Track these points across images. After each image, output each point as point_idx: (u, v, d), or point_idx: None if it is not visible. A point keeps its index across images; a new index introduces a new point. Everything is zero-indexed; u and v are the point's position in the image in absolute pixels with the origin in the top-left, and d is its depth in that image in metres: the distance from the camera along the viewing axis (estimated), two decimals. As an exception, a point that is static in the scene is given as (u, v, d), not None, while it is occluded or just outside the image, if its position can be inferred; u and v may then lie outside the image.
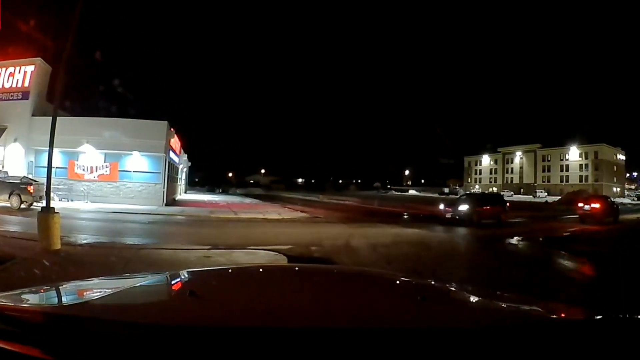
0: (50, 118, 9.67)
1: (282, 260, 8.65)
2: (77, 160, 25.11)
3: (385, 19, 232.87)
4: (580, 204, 24.90)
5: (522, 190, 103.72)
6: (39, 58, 25.29)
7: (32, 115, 24.74)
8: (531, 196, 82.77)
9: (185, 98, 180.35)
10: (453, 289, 2.42)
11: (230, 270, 3.01)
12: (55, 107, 10.24)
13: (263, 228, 16.76)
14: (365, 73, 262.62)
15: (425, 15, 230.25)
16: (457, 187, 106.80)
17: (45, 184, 10.06)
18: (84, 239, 10.76)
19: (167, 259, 8.38)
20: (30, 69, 25.32)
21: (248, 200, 43.02)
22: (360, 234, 14.35)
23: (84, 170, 25.18)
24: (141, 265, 7.46)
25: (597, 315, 1.67)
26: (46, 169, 9.99)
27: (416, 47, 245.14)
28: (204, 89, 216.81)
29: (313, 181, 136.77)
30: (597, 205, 24.02)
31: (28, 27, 20.85)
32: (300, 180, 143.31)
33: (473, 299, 2.19)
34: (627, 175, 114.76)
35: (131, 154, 25.59)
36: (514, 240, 14.71)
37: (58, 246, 8.52)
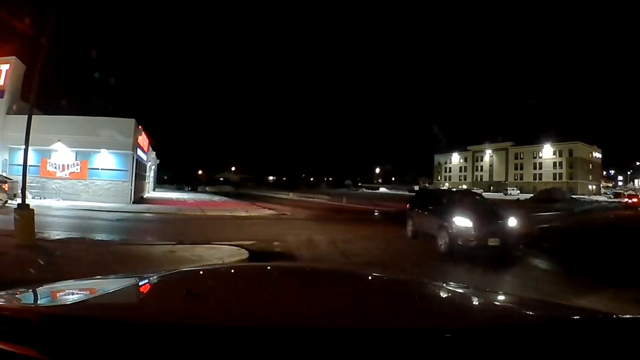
0: (25, 116, 10.22)
1: (244, 255, 9.30)
2: (50, 158, 25.30)
3: (352, 15, 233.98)
4: (626, 200, 43.03)
5: (492, 188, 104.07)
6: (14, 57, 25.27)
7: (7, 114, 24.78)
8: (502, 194, 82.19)
9: (154, 96, 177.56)
10: (449, 288, 2.44)
11: (227, 270, 3.01)
12: (31, 107, 10.74)
13: (229, 225, 17.39)
14: (337, 70, 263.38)
15: (393, 12, 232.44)
16: (427, 185, 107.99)
17: (21, 182, 10.59)
18: (56, 234, 11.35)
19: (134, 253, 8.96)
20: (5, 67, 25.36)
21: (217, 198, 43.18)
22: (322, 230, 15.26)
23: (55, 168, 25.41)
24: (109, 259, 8.09)
25: (595, 315, 1.69)
26: (20, 167, 10.54)
27: (386, 45, 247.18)
28: (173, 87, 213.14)
29: (284, 179, 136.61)
30: (635, 200, 40.95)
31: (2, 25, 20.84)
32: (271, 177, 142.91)
33: (469, 298, 2.23)
34: (604, 173, 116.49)
35: (100, 152, 25.84)
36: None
37: (33, 241, 9.12)
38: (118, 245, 10.19)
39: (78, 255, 8.35)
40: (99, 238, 11.55)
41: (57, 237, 10.87)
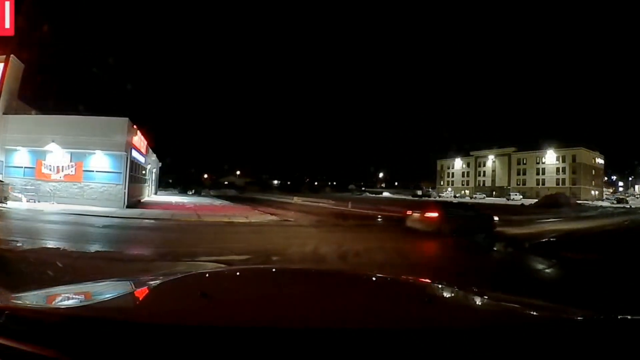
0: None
1: None
2: (45, 160, 23.85)
3: (355, 21, 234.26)
4: None
5: (494, 193, 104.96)
6: (12, 55, 24.02)
7: (4, 114, 23.17)
8: (504, 199, 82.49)
9: (161, 100, 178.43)
10: (459, 290, 2.41)
11: (240, 272, 3.22)
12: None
13: (224, 233, 15.78)
14: (341, 75, 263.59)
15: (397, 16, 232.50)
16: (429, 190, 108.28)
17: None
18: (31, 243, 10.14)
19: (100, 269, 7.50)
20: (0, 65, 23.89)
21: (219, 202, 42.08)
22: (329, 240, 13.59)
23: (50, 170, 24.09)
24: (71, 275, 6.79)
25: (598, 316, 1.68)
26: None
27: (390, 49, 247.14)
28: (180, 92, 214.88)
29: (289, 183, 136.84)
30: None
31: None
32: (275, 181, 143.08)
33: (479, 300, 2.24)
34: (606, 179, 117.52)
35: (94, 153, 24.70)
36: None
37: None
38: (89, 259, 8.77)
39: (38, 269, 6.95)
40: (72, 249, 9.95)
41: (27, 247, 9.47)
